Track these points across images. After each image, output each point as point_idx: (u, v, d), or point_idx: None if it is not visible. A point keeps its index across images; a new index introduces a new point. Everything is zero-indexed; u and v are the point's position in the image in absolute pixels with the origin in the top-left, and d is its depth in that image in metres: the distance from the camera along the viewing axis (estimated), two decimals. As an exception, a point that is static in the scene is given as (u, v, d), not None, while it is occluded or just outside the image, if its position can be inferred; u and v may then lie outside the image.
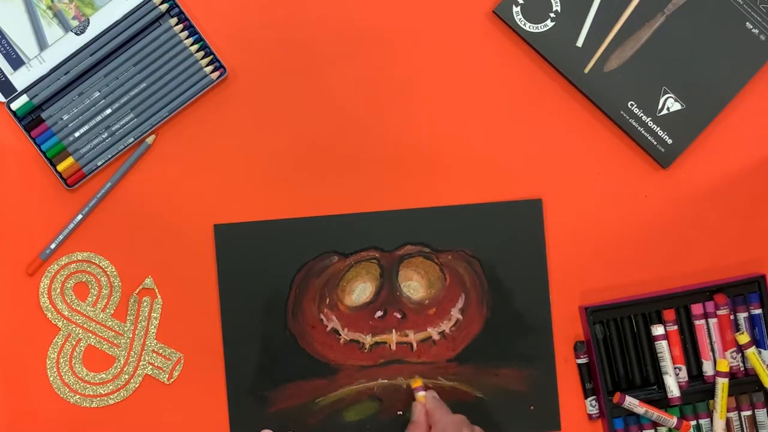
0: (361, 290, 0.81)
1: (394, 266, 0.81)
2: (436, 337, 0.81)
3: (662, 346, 0.79)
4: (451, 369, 0.81)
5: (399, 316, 0.81)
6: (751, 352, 0.79)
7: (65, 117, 0.79)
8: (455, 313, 0.81)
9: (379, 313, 0.81)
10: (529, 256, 0.81)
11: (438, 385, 0.81)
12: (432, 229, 0.81)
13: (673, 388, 0.79)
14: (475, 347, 0.81)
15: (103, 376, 0.80)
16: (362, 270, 0.81)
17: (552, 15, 0.81)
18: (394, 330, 0.81)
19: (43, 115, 0.79)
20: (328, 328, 0.81)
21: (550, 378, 0.81)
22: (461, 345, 0.81)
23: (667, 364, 0.79)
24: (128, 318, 0.80)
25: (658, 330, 0.79)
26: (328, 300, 0.81)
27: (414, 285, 0.81)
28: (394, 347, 0.81)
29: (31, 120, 0.80)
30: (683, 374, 0.80)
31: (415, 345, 0.81)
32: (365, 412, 0.81)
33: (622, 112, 0.81)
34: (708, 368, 0.80)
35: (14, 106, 0.79)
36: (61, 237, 0.79)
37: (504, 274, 0.81)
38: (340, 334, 0.81)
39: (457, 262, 0.81)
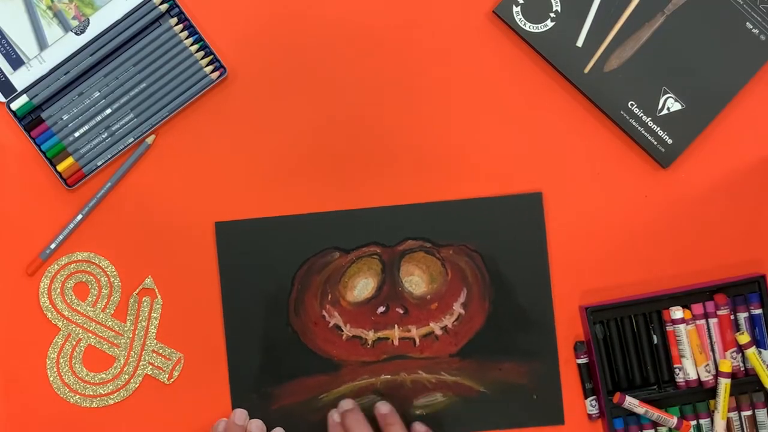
0: (362, 286, 0.81)
1: (395, 261, 0.81)
2: (438, 332, 0.81)
3: (680, 330, 0.79)
4: (454, 364, 0.81)
5: (401, 311, 0.81)
6: (752, 352, 0.79)
7: (65, 117, 0.79)
8: (457, 308, 0.81)
9: (381, 309, 0.81)
10: (531, 250, 0.81)
11: (441, 380, 0.81)
12: (433, 223, 0.81)
13: (690, 371, 0.79)
14: (478, 342, 0.81)
15: (103, 376, 0.80)
16: (364, 266, 0.81)
17: (552, 15, 0.81)
18: (396, 325, 0.81)
19: (43, 115, 0.79)
20: (331, 325, 0.81)
21: (553, 372, 0.81)
22: (463, 340, 0.81)
23: (685, 347, 0.79)
24: (128, 318, 0.80)
25: (676, 314, 0.79)
26: (330, 296, 0.81)
27: (416, 280, 0.81)
28: (396, 343, 0.81)
29: (31, 120, 0.80)
30: (683, 374, 0.80)
31: (417, 340, 0.81)
32: (368, 408, 0.80)
33: (622, 112, 0.81)
34: (701, 372, 0.79)
35: (14, 106, 0.79)
36: (61, 237, 0.79)
37: (505, 268, 0.81)
38: (342, 330, 0.81)
39: (459, 257, 0.81)
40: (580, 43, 0.81)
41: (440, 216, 0.81)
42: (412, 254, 0.81)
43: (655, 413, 0.79)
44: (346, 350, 0.81)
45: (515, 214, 0.81)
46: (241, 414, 0.79)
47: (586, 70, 0.81)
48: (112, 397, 0.80)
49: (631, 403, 0.78)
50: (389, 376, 0.81)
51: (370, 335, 0.81)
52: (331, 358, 0.81)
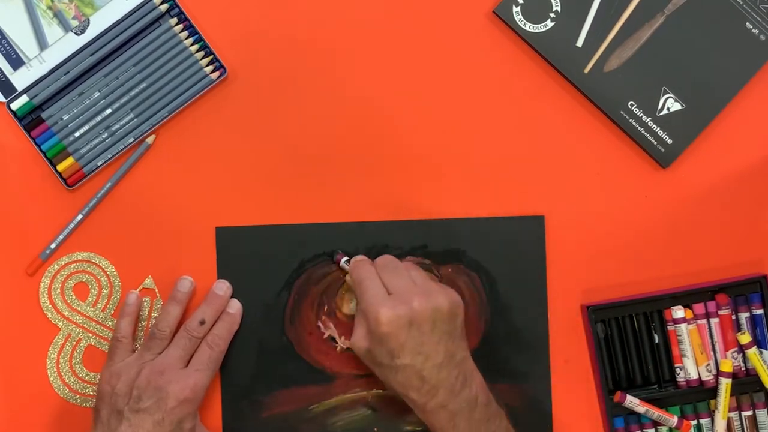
0: (359, 299, 0.81)
1: (394, 276, 0.81)
2: None
3: (681, 329, 0.79)
4: None
5: None
6: (753, 352, 0.79)
7: (65, 117, 0.79)
8: (452, 327, 0.81)
9: (377, 323, 0.81)
10: (530, 273, 0.81)
11: None
12: (433, 241, 0.81)
13: (691, 371, 0.79)
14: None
15: (103, 376, 0.80)
16: (362, 279, 0.81)
17: (552, 15, 0.81)
18: (391, 340, 0.81)
19: (43, 115, 0.79)
20: (325, 336, 0.81)
21: (545, 395, 0.80)
22: None
23: (686, 347, 0.79)
24: (128, 318, 0.80)
25: (678, 314, 0.79)
26: (326, 307, 0.81)
27: (413, 296, 0.81)
28: (390, 358, 0.81)
29: (31, 120, 0.80)
30: (684, 374, 0.80)
31: None
32: (359, 421, 0.81)
33: (622, 112, 0.81)
34: (702, 372, 0.79)
35: (14, 106, 0.79)
36: (61, 237, 0.79)
37: (503, 289, 0.81)
38: (336, 342, 0.81)
39: (457, 276, 0.81)
40: (580, 43, 0.81)
41: (441, 234, 0.81)
42: None
43: (655, 412, 0.79)
44: (339, 362, 0.81)
45: (517, 235, 0.81)
46: (222, 285, 0.79)
47: (586, 70, 0.81)
48: (112, 397, 0.80)
49: (631, 402, 0.78)
50: (381, 391, 0.81)
51: (365, 349, 0.81)
52: (324, 369, 0.81)
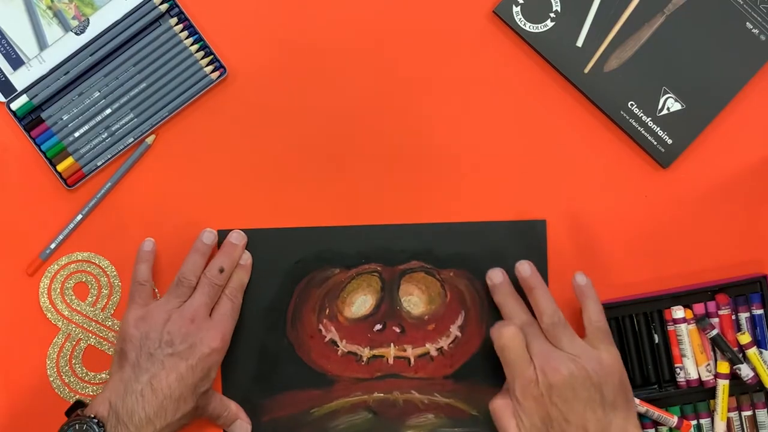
0: (361, 302, 0.81)
1: (395, 280, 0.81)
2: (434, 353, 0.81)
3: (681, 329, 0.79)
4: (448, 386, 0.80)
5: (398, 330, 0.81)
6: (753, 352, 0.79)
7: (65, 117, 0.79)
8: (454, 330, 0.81)
9: (378, 327, 0.81)
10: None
11: (433, 401, 0.81)
12: (435, 244, 0.81)
13: (691, 371, 0.79)
14: (473, 365, 0.80)
15: (103, 376, 0.80)
16: (363, 282, 0.81)
17: (552, 15, 0.81)
18: (392, 344, 0.81)
19: (43, 115, 0.79)
20: (327, 339, 0.81)
21: None
22: (459, 362, 0.81)
23: (686, 347, 0.79)
24: (128, 318, 0.80)
25: (678, 314, 0.79)
26: (327, 311, 0.81)
27: (414, 300, 0.81)
28: (391, 361, 0.81)
29: (31, 120, 0.80)
30: (684, 374, 0.80)
31: (412, 360, 0.81)
32: (360, 424, 0.80)
33: (622, 112, 0.81)
34: (702, 372, 0.79)
35: (14, 106, 0.79)
36: (61, 237, 0.79)
37: None
38: (338, 346, 0.81)
39: (459, 280, 0.81)
40: (580, 43, 0.81)
41: (443, 237, 0.81)
42: (413, 274, 0.81)
43: (655, 412, 0.78)
44: (340, 366, 0.81)
45: (519, 239, 0.81)
46: (237, 235, 0.80)
47: (586, 70, 0.81)
48: (112, 397, 0.80)
49: (632, 402, 0.78)
50: (382, 395, 0.81)
51: (366, 352, 0.81)
52: (324, 372, 0.81)
